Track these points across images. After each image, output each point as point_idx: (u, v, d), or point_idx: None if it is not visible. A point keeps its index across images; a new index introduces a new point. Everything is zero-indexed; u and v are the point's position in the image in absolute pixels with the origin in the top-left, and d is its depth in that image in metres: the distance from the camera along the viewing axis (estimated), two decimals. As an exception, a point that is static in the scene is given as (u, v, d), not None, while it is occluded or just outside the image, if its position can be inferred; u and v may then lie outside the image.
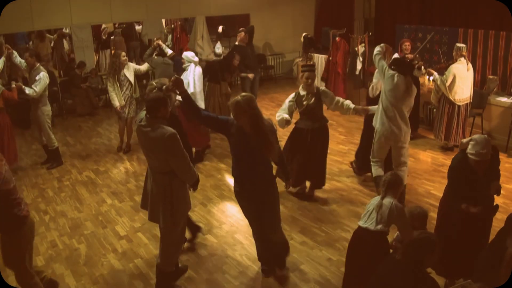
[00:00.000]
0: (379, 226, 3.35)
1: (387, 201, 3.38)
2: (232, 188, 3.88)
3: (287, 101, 5.21)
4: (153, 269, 4.24)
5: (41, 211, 5.49)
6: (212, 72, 7.24)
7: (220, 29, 13.23)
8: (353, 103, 5.26)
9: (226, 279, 4.10)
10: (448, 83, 6.41)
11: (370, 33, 9.73)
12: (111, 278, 4.18)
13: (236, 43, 8.31)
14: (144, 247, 4.67)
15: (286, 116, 5.08)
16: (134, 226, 5.08)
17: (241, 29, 8.61)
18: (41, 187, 6.19)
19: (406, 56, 6.86)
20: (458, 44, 6.57)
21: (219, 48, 7.92)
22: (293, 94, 5.24)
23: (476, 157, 3.50)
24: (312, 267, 4.22)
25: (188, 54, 6.80)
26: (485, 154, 3.49)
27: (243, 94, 3.59)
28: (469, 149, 3.54)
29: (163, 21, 13.31)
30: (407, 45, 7.05)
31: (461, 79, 6.42)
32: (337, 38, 9.20)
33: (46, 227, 5.10)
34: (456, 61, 6.45)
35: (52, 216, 5.36)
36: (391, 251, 3.50)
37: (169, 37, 13.18)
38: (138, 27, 12.34)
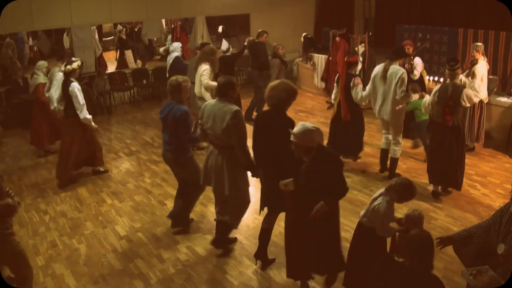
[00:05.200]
0: (364, 219, 3.50)
1: (381, 198, 3.45)
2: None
3: None
4: (153, 269, 4.25)
5: (41, 211, 5.49)
6: (226, 65, 7.64)
7: (220, 29, 13.22)
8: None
9: (226, 279, 4.10)
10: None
11: (370, 33, 9.74)
12: (111, 278, 4.18)
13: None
14: (144, 247, 4.66)
15: None
16: (134, 226, 5.08)
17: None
18: (41, 187, 6.19)
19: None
20: (477, 43, 6.42)
21: (225, 46, 8.64)
22: None
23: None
24: (312, 267, 4.21)
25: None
26: (294, 140, 3.36)
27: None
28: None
29: (163, 21, 13.31)
30: (407, 47, 6.99)
31: (485, 77, 6.33)
32: (337, 38, 9.18)
33: (46, 227, 5.10)
34: (478, 61, 6.26)
35: (52, 216, 5.36)
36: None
37: (169, 37, 13.19)
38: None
